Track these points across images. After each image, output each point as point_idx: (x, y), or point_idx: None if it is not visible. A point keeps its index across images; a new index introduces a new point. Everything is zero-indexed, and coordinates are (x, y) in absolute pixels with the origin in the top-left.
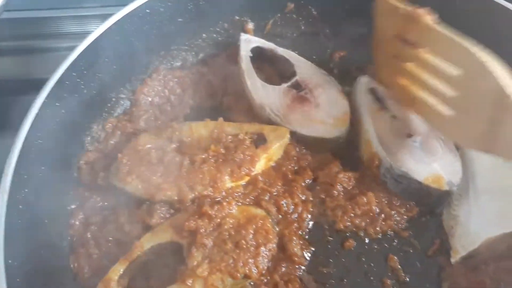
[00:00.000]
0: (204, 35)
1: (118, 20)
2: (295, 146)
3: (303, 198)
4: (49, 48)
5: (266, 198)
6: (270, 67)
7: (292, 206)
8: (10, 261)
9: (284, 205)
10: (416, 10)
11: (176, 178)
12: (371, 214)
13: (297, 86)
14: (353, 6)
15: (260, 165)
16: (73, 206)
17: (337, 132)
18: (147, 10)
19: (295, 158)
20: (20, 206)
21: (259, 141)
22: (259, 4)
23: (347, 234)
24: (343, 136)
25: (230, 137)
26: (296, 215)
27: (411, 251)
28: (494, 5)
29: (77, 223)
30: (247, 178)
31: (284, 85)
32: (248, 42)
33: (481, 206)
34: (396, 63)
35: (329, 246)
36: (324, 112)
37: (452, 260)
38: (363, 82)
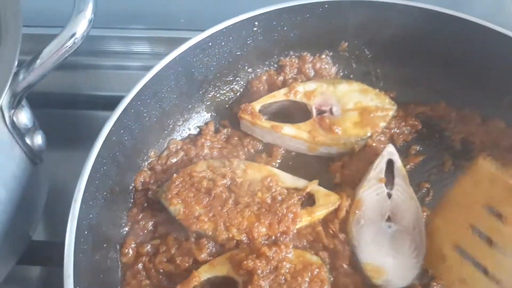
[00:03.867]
0: (258, 69)
1: (182, 52)
2: None
3: None
4: (98, 65)
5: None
6: None
7: None
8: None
9: None
10: None
11: (216, 214)
12: None
13: None
14: (405, 49)
15: (301, 226)
16: (126, 229)
17: None
18: (210, 44)
19: None
20: (86, 232)
21: (308, 201)
22: (313, 41)
23: None
24: None
25: (280, 188)
26: None
27: None
28: None
29: (130, 252)
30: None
31: None
32: None
33: None
34: (463, 234)
35: None
36: None
37: None
38: (387, 152)
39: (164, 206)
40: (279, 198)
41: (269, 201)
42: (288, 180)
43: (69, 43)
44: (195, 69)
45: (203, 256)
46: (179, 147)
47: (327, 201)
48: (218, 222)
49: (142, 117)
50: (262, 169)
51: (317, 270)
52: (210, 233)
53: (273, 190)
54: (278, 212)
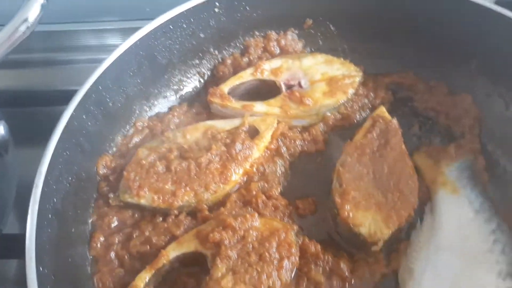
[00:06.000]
0: (224, 51)
1: (143, 36)
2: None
3: None
4: (70, 60)
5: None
6: None
7: None
8: (41, 268)
9: None
10: None
11: (188, 183)
12: None
13: None
14: (370, 23)
15: (258, 152)
16: (95, 217)
17: None
18: (171, 26)
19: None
20: (50, 215)
21: (251, 132)
22: (277, 19)
23: None
24: None
25: (223, 134)
26: None
27: None
28: None
29: (98, 245)
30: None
31: None
32: None
33: (438, 264)
34: None
35: None
36: None
37: None
38: None
39: (132, 204)
40: (228, 141)
41: (224, 148)
42: (225, 124)
43: (22, 27)
44: (158, 53)
45: (179, 232)
46: (145, 125)
47: (267, 124)
48: (195, 188)
49: (105, 103)
50: (198, 127)
51: (283, 234)
52: (194, 201)
53: (219, 137)
54: (237, 152)
